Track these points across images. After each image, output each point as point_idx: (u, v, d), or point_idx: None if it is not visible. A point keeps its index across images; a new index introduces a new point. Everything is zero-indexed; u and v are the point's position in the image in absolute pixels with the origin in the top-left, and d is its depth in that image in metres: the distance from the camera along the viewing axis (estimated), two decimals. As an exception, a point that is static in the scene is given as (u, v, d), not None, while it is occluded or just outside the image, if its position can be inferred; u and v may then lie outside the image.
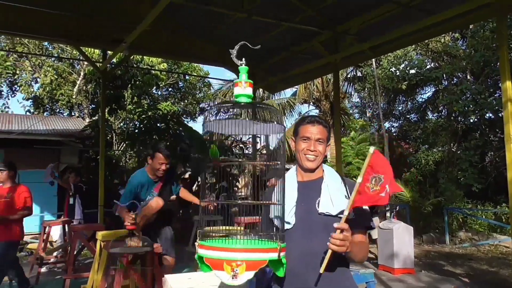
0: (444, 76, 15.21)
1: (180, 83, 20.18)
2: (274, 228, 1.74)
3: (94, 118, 14.94)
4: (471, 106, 13.77)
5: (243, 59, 1.74)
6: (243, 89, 1.70)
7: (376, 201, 1.72)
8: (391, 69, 15.05)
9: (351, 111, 21.43)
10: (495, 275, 7.15)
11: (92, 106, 16.40)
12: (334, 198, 1.89)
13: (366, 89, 17.55)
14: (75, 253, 6.02)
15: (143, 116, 11.53)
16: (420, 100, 19.15)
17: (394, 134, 19.68)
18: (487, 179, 13.88)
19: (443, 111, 17.58)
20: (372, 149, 1.67)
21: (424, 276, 6.95)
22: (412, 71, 14.67)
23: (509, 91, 5.08)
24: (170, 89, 20.24)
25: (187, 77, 19.11)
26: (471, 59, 13.41)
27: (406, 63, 14.83)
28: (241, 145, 12.61)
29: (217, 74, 55.27)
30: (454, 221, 11.49)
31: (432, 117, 18.46)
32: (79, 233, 5.72)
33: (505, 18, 5.72)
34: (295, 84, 13.64)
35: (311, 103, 17.88)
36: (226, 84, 19.18)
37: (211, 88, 21.14)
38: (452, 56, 14.74)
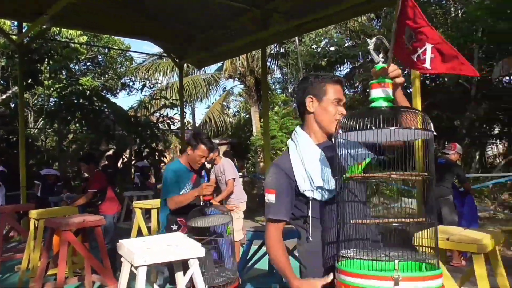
0: (361, 54, 16.19)
1: (100, 57, 19.22)
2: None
3: (6, 95, 13.83)
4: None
5: (381, 54, 1.52)
6: (383, 91, 1.42)
7: (416, 66, 1.47)
8: (312, 46, 15.68)
9: (273, 87, 21.97)
10: (401, 231, 8.02)
11: (2, 82, 15.12)
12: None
13: (288, 65, 18.08)
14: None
15: (63, 92, 10.96)
16: (339, 76, 20.16)
17: (315, 108, 20.55)
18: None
19: (359, 87, 18.76)
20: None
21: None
22: (332, 49, 15.42)
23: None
24: (89, 63, 19.20)
25: (107, 51, 18.26)
26: (384, 38, 14.38)
27: (327, 40, 15.52)
28: (168, 121, 12.51)
29: (138, 47, 53.03)
30: (368, 188, 12.46)
31: (349, 93, 19.61)
32: (9, 214, 5.47)
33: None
34: (223, 60, 13.73)
35: (236, 78, 18.08)
36: (149, 58, 18.66)
37: (133, 62, 20.41)
38: (368, 35, 15.69)
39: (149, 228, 5.54)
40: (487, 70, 12.33)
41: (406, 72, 13.45)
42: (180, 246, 2.50)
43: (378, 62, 1.50)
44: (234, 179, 5.40)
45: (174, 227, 3.41)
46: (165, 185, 3.39)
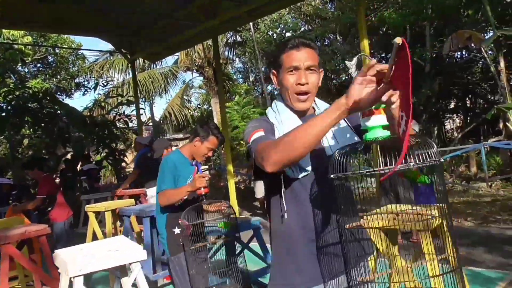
0: (317, 38, 16.23)
1: (50, 58, 18.43)
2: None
3: None
4: (341, 65, 14.97)
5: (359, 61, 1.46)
6: (376, 119, 1.23)
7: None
8: (268, 33, 15.57)
9: (235, 77, 21.80)
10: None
11: None
12: (338, 136, 1.56)
13: (246, 53, 17.93)
14: None
15: (10, 96, 10.40)
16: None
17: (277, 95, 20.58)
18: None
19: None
20: (398, 40, 1.06)
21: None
22: (288, 34, 15.35)
23: (366, 48, 5.72)
24: (38, 65, 18.38)
25: (57, 51, 17.51)
26: (339, 21, 14.48)
27: (282, 26, 15.45)
28: (125, 119, 12.15)
29: (91, 45, 51.35)
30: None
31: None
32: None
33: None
34: (176, 51, 13.42)
35: (194, 70, 17.78)
36: (102, 55, 18.07)
37: (86, 60, 19.71)
38: (322, 18, 15.73)
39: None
40: (438, 46, 12.61)
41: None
42: (120, 250, 2.37)
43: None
44: None
45: (177, 230, 2.97)
46: (160, 178, 3.05)
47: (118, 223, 5.27)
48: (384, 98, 1.14)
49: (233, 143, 13.62)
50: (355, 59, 1.45)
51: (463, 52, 14.27)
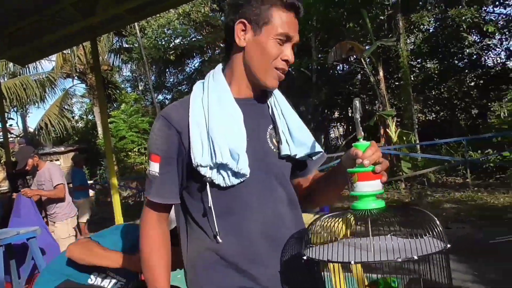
0: (209, 46, 16.04)
1: None
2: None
3: None
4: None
5: (358, 119, 1.01)
6: (368, 185, 0.99)
7: None
8: (156, 38, 14.95)
9: (123, 85, 20.69)
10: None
11: None
12: (293, 128, 1.19)
13: (133, 60, 17.03)
14: None
15: None
16: (190, 71, 19.88)
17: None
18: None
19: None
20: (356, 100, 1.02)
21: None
22: (178, 41, 14.91)
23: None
24: None
25: None
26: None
27: (171, 32, 14.95)
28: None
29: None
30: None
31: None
32: None
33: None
34: (50, 54, 12.02)
35: (75, 77, 16.34)
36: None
37: None
38: (212, 26, 15.59)
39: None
40: (323, 57, 13.22)
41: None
42: None
43: (359, 139, 1.04)
44: (63, 185, 4.56)
45: None
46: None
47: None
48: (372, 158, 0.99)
49: (120, 154, 12.68)
50: (357, 102, 1.03)
51: (344, 64, 15.23)
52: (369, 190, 1.00)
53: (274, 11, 1.10)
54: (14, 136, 16.72)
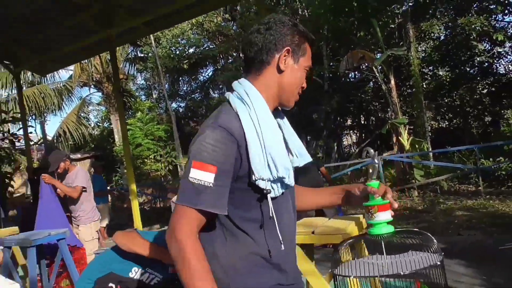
0: (221, 55, 16.31)
1: None
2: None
3: None
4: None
5: (376, 166, 1.41)
6: (383, 215, 1.35)
7: None
8: (171, 48, 15.26)
9: (137, 94, 21.05)
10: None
11: None
12: (296, 140, 1.39)
13: (148, 69, 17.38)
14: None
15: None
16: (203, 79, 20.17)
17: (182, 113, 20.26)
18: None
19: (223, 88, 18.95)
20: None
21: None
22: (191, 50, 15.19)
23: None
24: None
25: None
26: (241, 38, 14.70)
27: (184, 42, 15.25)
28: (10, 138, 10.88)
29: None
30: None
31: (214, 95, 19.70)
32: None
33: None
34: (69, 64, 12.45)
35: (92, 86, 16.73)
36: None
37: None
38: (225, 35, 15.86)
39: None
40: (335, 66, 13.37)
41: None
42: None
43: (370, 179, 1.39)
44: (85, 189, 4.74)
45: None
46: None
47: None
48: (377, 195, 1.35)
49: (136, 161, 12.95)
50: (372, 152, 1.45)
51: (356, 72, 15.36)
52: (384, 219, 1.35)
53: (307, 46, 1.32)
54: (34, 143, 17.14)
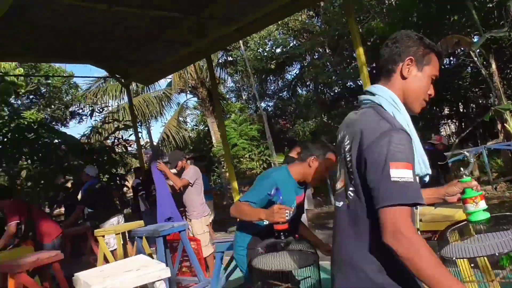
0: (307, 52, 16.43)
1: (42, 89, 18.47)
2: None
3: None
4: (333, 77, 15.15)
5: (471, 165, 1.72)
6: (478, 205, 1.59)
7: None
8: (258, 50, 15.75)
9: (228, 96, 21.96)
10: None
11: None
12: None
13: (238, 72, 18.10)
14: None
15: (6, 129, 10.37)
16: (290, 77, 20.46)
17: (271, 112, 20.74)
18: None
19: (311, 85, 19.05)
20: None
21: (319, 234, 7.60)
22: (278, 50, 15.53)
23: (362, 56, 5.76)
24: (31, 96, 18.41)
25: (49, 81, 17.54)
26: (327, 34, 14.70)
27: (272, 42, 15.64)
28: (124, 144, 12.14)
29: (81, 73, 51.19)
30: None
31: (302, 92, 19.88)
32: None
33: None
34: (170, 73, 13.52)
35: (188, 92, 17.88)
36: (95, 82, 18.12)
37: (79, 88, 19.79)
38: (310, 32, 15.96)
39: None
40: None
41: (350, 67, 13.46)
42: (142, 269, 2.34)
43: (462, 176, 1.65)
44: (191, 185, 5.21)
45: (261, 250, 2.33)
46: (251, 188, 2.59)
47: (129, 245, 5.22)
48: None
49: (233, 161, 13.65)
50: (467, 153, 1.86)
51: (451, 58, 14.51)
52: (483, 207, 1.59)
53: (433, 56, 1.50)
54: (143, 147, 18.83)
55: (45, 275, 3.86)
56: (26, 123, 11.15)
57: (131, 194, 12.51)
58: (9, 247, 4.71)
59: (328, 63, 15.10)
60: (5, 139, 10.31)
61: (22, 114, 12.59)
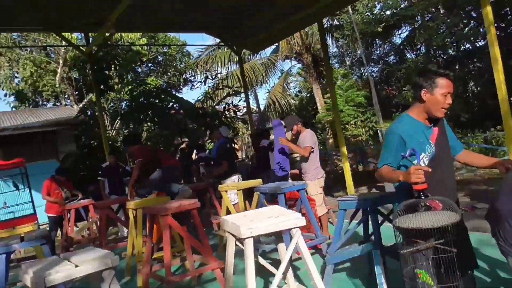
0: (419, 13, 15.43)
1: (159, 57, 20.02)
2: None
3: (82, 104, 14.88)
4: (448, 39, 14.10)
5: None
6: None
7: None
8: (367, 13, 15.19)
9: (330, 62, 21.63)
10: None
11: (77, 92, 16.30)
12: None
13: (344, 36, 17.68)
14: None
15: (135, 93, 11.58)
16: (397, 41, 19.44)
17: (376, 78, 20.04)
18: (472, 108, 14.43)
19: (421, 48, 17.93)
20: None
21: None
22: (388, 12, 14.82)
23: (490, 15, 5.34)
24: (150, 64, 20.11)
25: (165, 50, 18.91)
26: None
27: (381, 5, 14.95)
28: (234, 109, 12.79)
29: (192, 41, 53.61)
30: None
31: (411, 57, 18.82)
32: (107, 207, 6.01)
33: None
34: (278, 40, 13.73)
35: (293, 58, 18.00)
36: (205, 50, 19.09)
37: (191, 57, 21.06)
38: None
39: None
40: None
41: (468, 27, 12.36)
42: (280, 217, 2.60)
43: None
44: (312, 149, 5.40)
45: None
46: (382, 151, 2.56)
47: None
48: None
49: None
50: None
51: None
52: None
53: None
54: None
55: (182, 220, 4.44)
56: (148, 88, 12.29)
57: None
58: (149, 195, 5.47)
59: (442, 24, 14.04)
60: (133, 103, 11.52)
61: (145, 81, 13.88)
